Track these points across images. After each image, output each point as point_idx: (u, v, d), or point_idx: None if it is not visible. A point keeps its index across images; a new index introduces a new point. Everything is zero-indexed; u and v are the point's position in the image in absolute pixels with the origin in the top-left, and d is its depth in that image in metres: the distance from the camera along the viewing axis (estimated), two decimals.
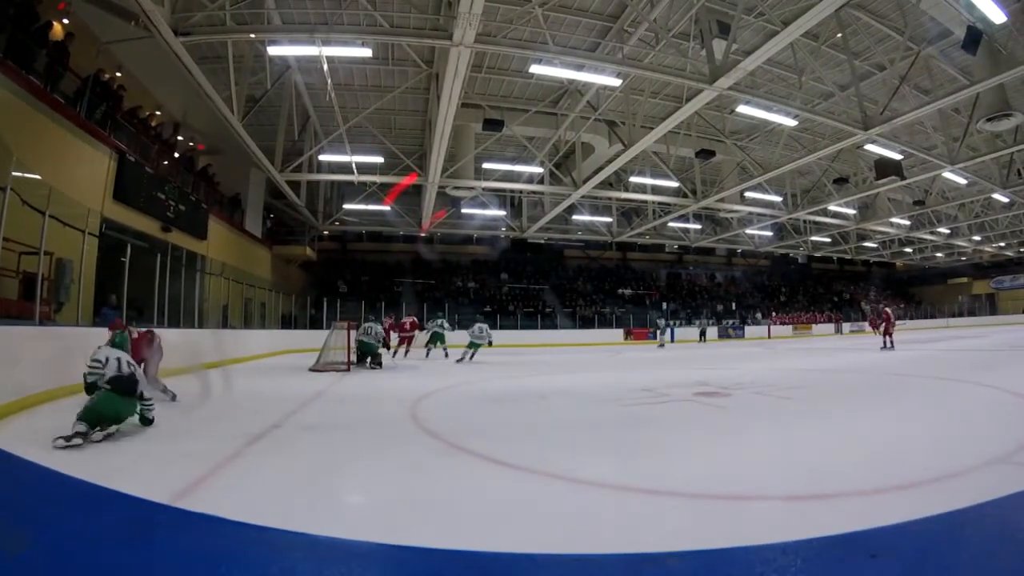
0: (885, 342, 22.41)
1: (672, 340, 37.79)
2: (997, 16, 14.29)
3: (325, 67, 17.87)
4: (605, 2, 17.29)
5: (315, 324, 27.87)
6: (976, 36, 14.53)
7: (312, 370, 15.44)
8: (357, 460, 5.69)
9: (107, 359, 6.65)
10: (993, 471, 4.67)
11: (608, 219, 37.87)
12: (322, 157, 24.28)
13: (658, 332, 33.26)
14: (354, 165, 24.66)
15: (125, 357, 6.86)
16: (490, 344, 21.19)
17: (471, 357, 20.72)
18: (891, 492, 4.18)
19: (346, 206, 33.12)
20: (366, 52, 16.46)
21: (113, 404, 6.52)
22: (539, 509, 4.08)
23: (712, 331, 41.26)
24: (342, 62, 19.02)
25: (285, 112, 22.15)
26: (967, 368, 13.97)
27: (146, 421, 6.94)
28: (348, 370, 15.41)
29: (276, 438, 6.53)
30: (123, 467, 5.10)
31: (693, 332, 40.00)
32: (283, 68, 19.72)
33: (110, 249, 14.44)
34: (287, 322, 28.50)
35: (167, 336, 10.06)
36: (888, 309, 25.00)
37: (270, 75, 19.39)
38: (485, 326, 21.28)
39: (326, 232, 37.08)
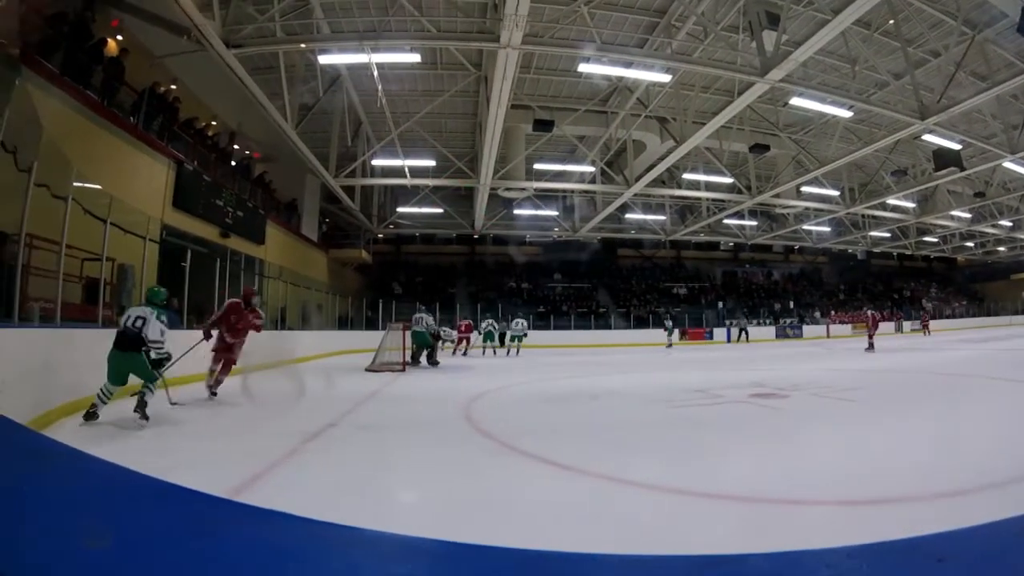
0: (870, 344, 22.53)
1: (729, 341, 37.44)
2: None
3: (375, 74, 18.12)
4: None
5: (371, 325, 28.14)
6: None
7: (368, 370, 15.62)
8: (411, 459, 5.79)
9: (123, 323, 7.03)
10: None
11: (661, 217, 37.57)
12: (375, 162, 24.58)
13: (666, 333, 32.78)
14: (407, 169, 25.00)
15: (137, 312, 7.07)
16: (525, 335, 24.22)
17: (517, 352, 23.26)
18: (950, 497, 4.13)
19: (400, 209, 33.48)
20: (414, 58, 16.72)
21: (113, 362, 6.92)
22: (590, 510, 4.12)
23: (770, 330, 40.46)
24: (392, 68, 19.36)
25: (338, 119, 22.64)
26: None
27: (157, 364, 7.18)
28: (403, 370, 15.58)
29: (332, 437, 6.63)
30: (182, 463, 5.27)
31: (753, 331, 39.37)
32: (334, 76, 20.03)
33: (171, 255, 14.86)
34: (343, 323, 28.85)
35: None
36: (872, 312, 25.10)
37: (322, 83, 19.72)
38: (523, 321, 24.47)
39: (380, 235, 37.49)
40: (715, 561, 2.43)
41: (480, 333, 24.66)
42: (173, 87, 18.76)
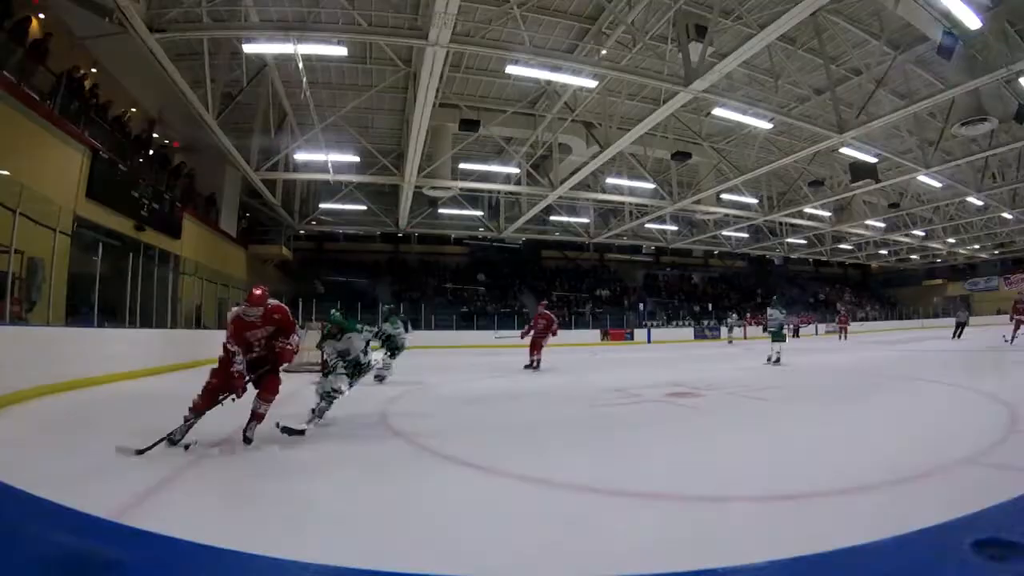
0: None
1: (649, 341, 38.18)
2: (972, 22, 14.63)
3: (300, 65, 17.73)
4: (583, 4, 17.29)
5: None
6: (951, 42, 14.85)
7: (285, 371, 15.22)
8: (325, 462, 5.62)
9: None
10: (961, 473, 4.80)
11: (585, 220, 38.20)
12: (298, 156, 24.11)
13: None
14: (330, 164, 24.53)
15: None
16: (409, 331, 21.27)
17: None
18: (856, 493, 4.28)
19: (323, 205, 32.91)
20: (341, 51, 16.41)
21: None
22: (507, 510, 4.10)
23: (688, 331, 41.49)
24: (320, 60, 18.93)
25: (261, 110, 22.03)
26: (940, 368, 14.21)
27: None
28: (323, 371, 15.19)
29: (240, 444, 6.36)
30: (74, 477, 4.93)
31: (672, 333, 40.40)
32: (260, 65, 19.56)
33: (83, 248, 14.29)
34: None
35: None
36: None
37: (246, 72, 19.21)
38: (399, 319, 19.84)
39: (302, 232, 36.70)
40: None
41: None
42: (93, 71, 18.08)
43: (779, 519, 3.86)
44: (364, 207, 31.98)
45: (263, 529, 3.76)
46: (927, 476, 4.65)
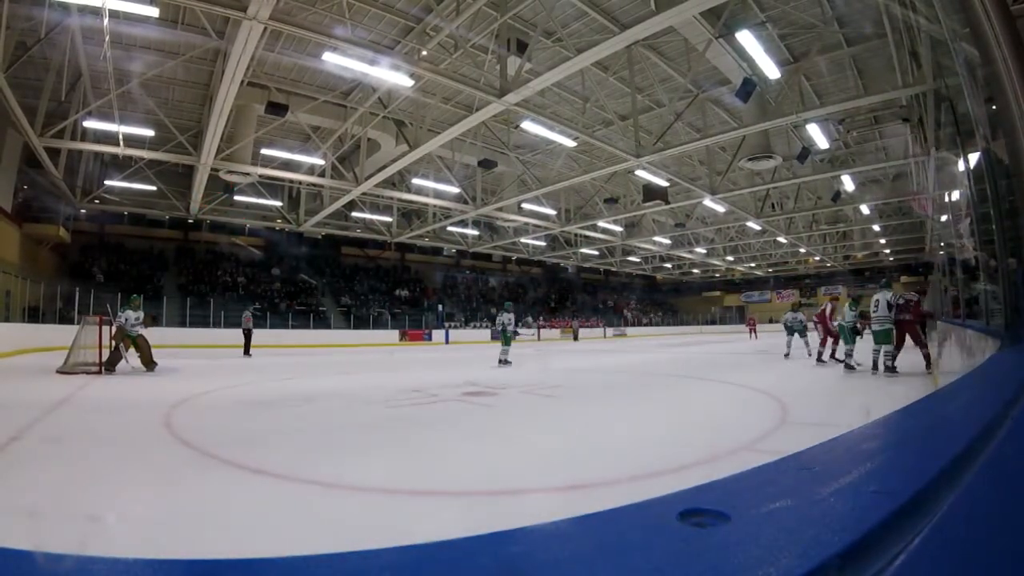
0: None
1: (447, 342, 39.11)
2: (772, 72, 16.43)
3: (106, 21, 16.13)
4: (412, 1, 17.35)
5: (65, 318, 25.04)
6: (750, 87, 16.53)
7: (60, 372, 13.92)
8: (108, 475, 5.14)
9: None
10: (733, 459, 5.37)
11: (388, 219, 38.23)
12: (87, 123, 21.73)
13: None
14: (121, 136, 22.31)
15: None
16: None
17: None
18: (637, 480, 4.69)
19: (108, 183, 29.78)
20: (152, 11, 15.13)
21: None
22: (300, 515, 4.03)
23: (485, 333, 42.60)
24: (127, 18, 17.00)
25: (55, 66, 19.56)
26: (716, 368, 15.52)
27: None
28: (100, 372, 14.15)
29: (16, 452, 5.83)
30: None
31: (470, 334, 41.34)
32: (62, 16, 17.05)
33: None
34: (34, 314, 25.15)
35: None
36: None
37: (46, 23, 16.96)
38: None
39: (83, 211, 33.01)
40: (431, 549, 2.55)
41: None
42: None
43: (573, 504, 4.08)
44: (154, 187, 29.74)
45: (47, 534, 3.63)
46: (703, 463, 5.17)
